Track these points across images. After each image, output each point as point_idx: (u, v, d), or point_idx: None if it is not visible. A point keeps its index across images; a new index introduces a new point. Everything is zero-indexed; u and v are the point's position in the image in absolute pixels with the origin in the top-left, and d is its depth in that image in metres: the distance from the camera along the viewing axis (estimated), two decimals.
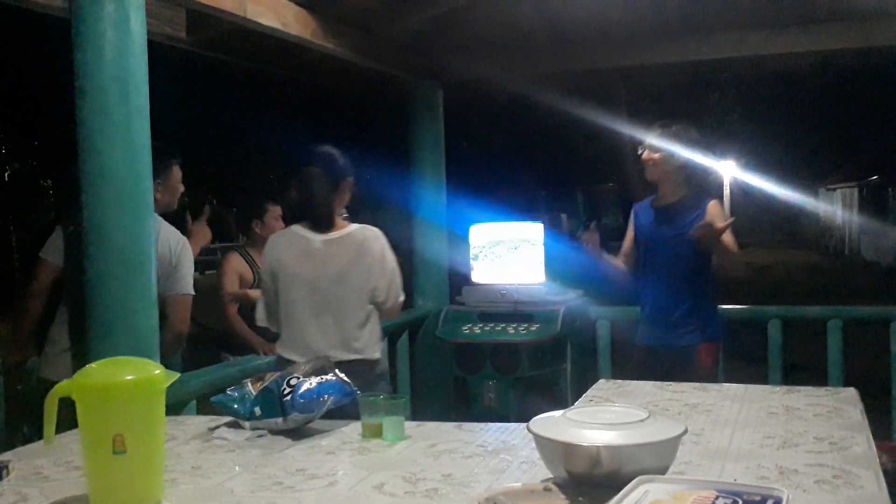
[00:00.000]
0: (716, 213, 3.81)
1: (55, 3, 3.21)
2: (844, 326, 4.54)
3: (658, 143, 3.89)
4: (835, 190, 28.83)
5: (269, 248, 3.27)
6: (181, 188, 3.58)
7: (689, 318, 3.81)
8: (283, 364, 3.08)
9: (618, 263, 4.20)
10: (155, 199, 3.36)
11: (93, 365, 1.73)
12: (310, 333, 3.15)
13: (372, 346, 3.24)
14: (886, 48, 4.75)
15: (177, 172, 3.55)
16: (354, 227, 3.25)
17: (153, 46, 2.87)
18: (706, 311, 3.88)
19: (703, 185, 4.00)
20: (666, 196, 3.96)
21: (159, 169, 3.39)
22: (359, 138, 16.03)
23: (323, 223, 3.19)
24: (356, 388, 2.36)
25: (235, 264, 4.49)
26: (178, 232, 3.39)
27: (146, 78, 2.76)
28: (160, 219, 3.36)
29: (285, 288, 3.18)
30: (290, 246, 3.22)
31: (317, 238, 3.18)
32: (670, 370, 3.61)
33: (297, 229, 3.24)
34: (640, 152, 3.96)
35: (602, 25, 4.90)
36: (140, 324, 2.67)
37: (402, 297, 3.32)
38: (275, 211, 4.58)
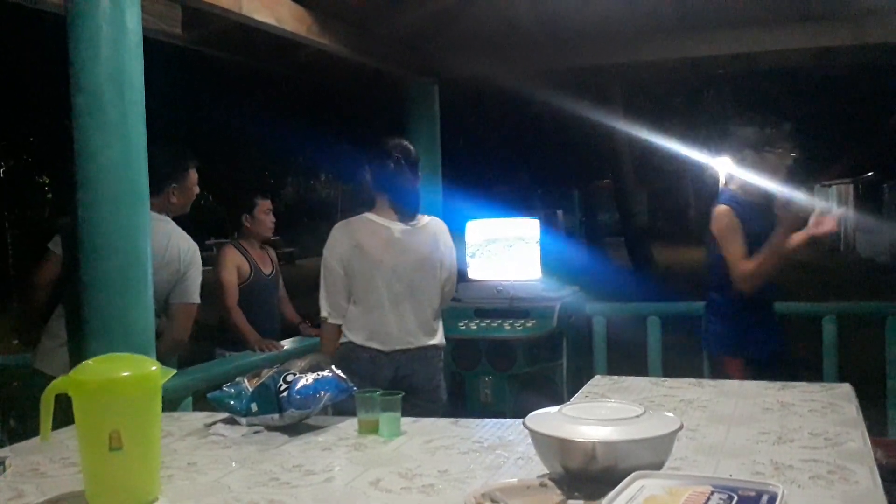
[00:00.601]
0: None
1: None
2: (839, 322, 4.55)
3: (792, 144, 3.74)
4: (830, 186, 28.85)
5: (342, 235, 3.31)
6: (196, 191, 3.59)
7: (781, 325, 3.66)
8: (357, 351, 3.25)
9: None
10: (171, 203, 3.38)
11: (89, 361, 1.73)
12: (390, 320, 3.27)
13: (442, 333, 3.45)
14: (881, 45, 4.76)
15: (193, 175, 3.55)
16: (427, 218, 3.41)
17: (149, 43, 2.86)
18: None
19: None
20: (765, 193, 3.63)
21: (177, 172, 3.41)
22: (354, 135, 16.04)
23: (409, 212, 3.33)
24: (430, 374, 3.04)
25: (233, 256, 4.48)
26: (189, 238, 3.38)
27: (142, 74, 2.76)
28: (173, 223, 3.38)
29: (364, 275, 3.26)
30: (369, 234, 3.30)
31: (396, 227, 3.31)
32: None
33: (373, 217, 3.32)
34: (768, 153, 3.67)
35: (598, 22, 4.90)
36: (136, 320, 2.67)
37: (456, 284, 3.55)
38: (264, 205, 4.59)
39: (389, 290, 3.28)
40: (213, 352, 4.39)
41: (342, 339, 3.35)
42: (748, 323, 3.51)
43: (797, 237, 3.46)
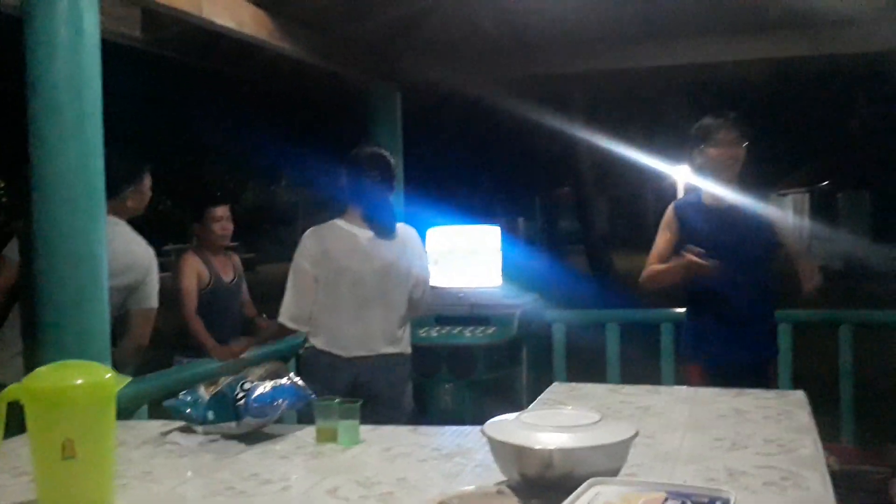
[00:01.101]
0: (784, 215, 3.54)
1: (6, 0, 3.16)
2: (793, 330, 4.62)
3: (737, 134, 3.55)
4: (786, 195, 29.31)
5: (312, 241, 3.31)
6: (150, 194, 3.55)
7: (763, 328, 3.50)
8: (317, 356, 3.24)
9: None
10: (126, 207, 3.35)
11: (42, 368, 1.70)
12: (352, 326, 3.26)
13: (408, 341, 3.43)
14: (836, 56, 4.86)
15: (148, 180, 3.52)
16: (398, 225, 3.41)
17: (107, 45, 2.83)
18: (773, 318, 3.61)
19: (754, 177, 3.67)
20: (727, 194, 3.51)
21: (133, 176, 3.38)
22: (316, 140, 15.97)
23: (383, 227, 3.33)
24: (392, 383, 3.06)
25: (192, 263, 4.40)
26: (145, 243, 3.35)
27: (99, 77, 2.73)
28: (128, 228, 3.33)
29: (328, 281, 3.26)
30: (336, 240, 3.31)
31: (364, 234, 3.31)
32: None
33: (341, 224, 3.33)
34: (710, 147, 3.55)
35: (561, 30, 4.94)
36: (91, 327, 2.63)
37: (429, 293, 3.55)
38: (216, 212, 4.47)
39: (353, 296, 3.27)
40: (172, 358, 4.34)
41: (306, 344, 3.34)
42: (704, 329, 3.51)
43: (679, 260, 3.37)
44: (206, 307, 4.34)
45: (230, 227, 4.54)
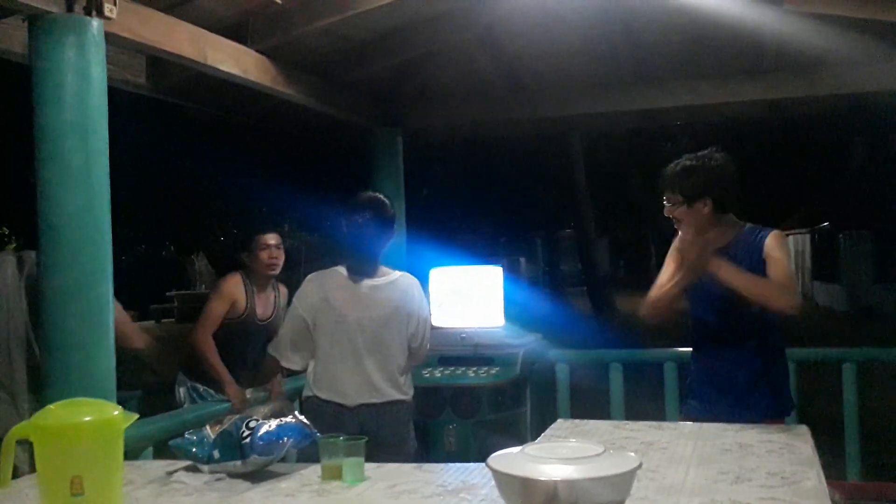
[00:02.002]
0: (774, 245, 3.01)
1: (14, 48, 3.23)
2: (798, 368, 4.61)
3: (672, 195, 3.11)
4: (787, 237, 29.37)
5: (313, 287, 3.27)
6: None
7: (754, 387, 3.01)
8: (322, 406, 3.19)
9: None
10: None
11: (51, 406, 1.72)
12: (353, 375, 3.20)
13: (409, 388, 3.38)
14: (830, 97, 4.92)
15: None
16: (398, 273, 3.34)
17: (113, 92, 2.89)
18: (775, 377, 3.11)
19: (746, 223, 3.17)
20: (715, 240, 3.07)
21: None
22: (319, 184, 16.07)
23: (370, 269, 3.26)
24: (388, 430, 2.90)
25: (232, 288, 4.11)
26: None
27: (106, 123, 2.79)
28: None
29: (328, 328, 3.22)
30: (337, 288, 3.25)
31: (364, 282, 3.25)
32: None
33: (342, 271, 3.29)
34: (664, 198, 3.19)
35: (558, 74, 5.02)
36: (97, 367, 2.65)
37: (428, 343, 3.43)
38: (263, 240, 4.18)
39: (353, 344, 3.22)
40: (177, 377, 4.21)
41: (306, 394, 3.28)
42: (694, 371, 3.25)
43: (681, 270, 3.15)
44: (228, 336, 4.08)
45: (280, 255, 4.22)
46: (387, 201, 3.36)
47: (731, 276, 2.91)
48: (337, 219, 3.40)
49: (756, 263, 2.98)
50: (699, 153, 3.13)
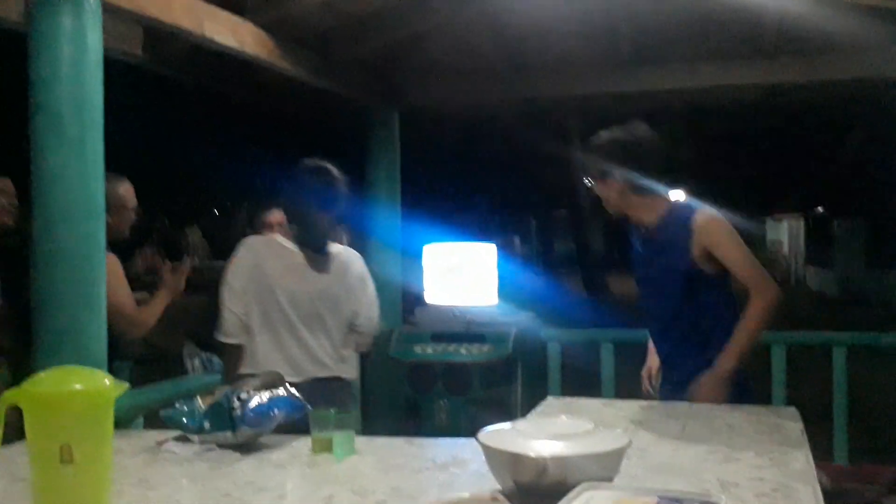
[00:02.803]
0: (709, 232, 2.84)
1: (10, 16, 3.20)
2: (788, 351, 4.64)
3: (593, 169, 3.01)
4: (781, 220, 29.41)
5: (245, 253, 3.04)
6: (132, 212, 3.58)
7: (692, 368, 2.87)
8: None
9: None
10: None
11: (41, 374, 1.72)
12: (289, 348, 2.98)
13: (349, 366, 3.15)
14: (829, 82, 4.91)
15: (128, 195, 3.55)
16: (339, 248, 3.16)
17: (109, 62, 2.87)
18: (706, 357, 2.87)
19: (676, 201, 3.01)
20: (642, 226, 3.04)
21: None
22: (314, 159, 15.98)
23: (311, 240, 3.05)
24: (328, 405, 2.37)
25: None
26: None
27: (101, 93, 2.77)
28: None
29: (263, 299, 2.98)
30: (271, 256, 3.04)
31: (302, 254, 3.04)
32: None
33: (280, 239, 3.10)
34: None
35: (557, 54, 5.00)
36: (89, 335, 2.65)
37: (377, 325, 3.23)
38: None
39: (287, 317, 2.98)
40: (184, 348, 4.24)
41: (241, 371, 2.96)
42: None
43: None
44: None
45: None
46: (333, 170, 3.10)
47: (736, 354, 2.76)
48: (283, 186, 3.22)
49: (682, 250, 2.84)
50: (618, 127, 2.98)
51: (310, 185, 3.07)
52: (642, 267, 3.07)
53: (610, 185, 2.94)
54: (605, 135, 2.99)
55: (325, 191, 3.06)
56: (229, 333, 2.98)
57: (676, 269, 2.89)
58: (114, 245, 3.43)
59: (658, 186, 2.94)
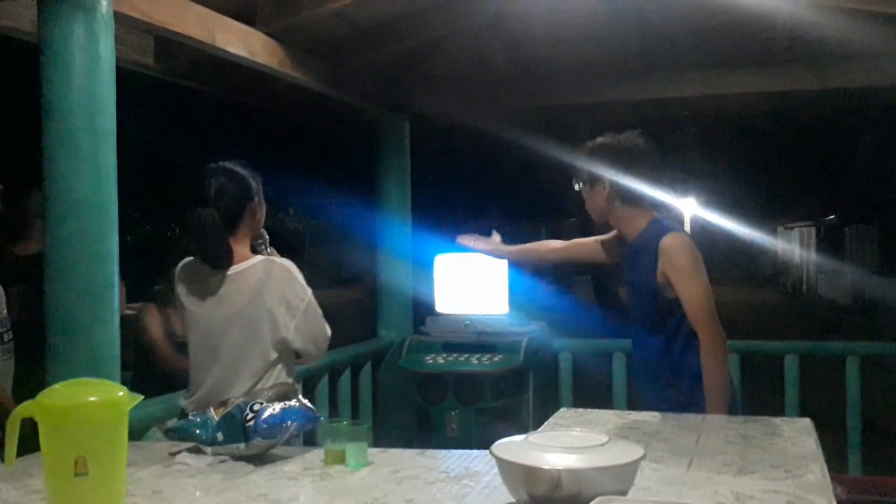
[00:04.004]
0: (672, 258, 2.80)
1: (23, 26, 3.22)
2: (801, 361, 4.62)
3: (580, 173, 2.98)
4: (793, 229, 29.31)
5: (176, 274, 2.77)
6: None
7: (668, 390, 2.88)
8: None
9: (537, 248, 3.48)
10: None
11: (56, 386, 1.73)
12: (203, 381, 2.63)
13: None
14: (841, 90, 4.89)
15: None
16: (256, 260, 2.64)
17: (120, 72, 2.88)
18: (688, 380, 2.84)
19: (660, 212, 2.97)
20: (626, 237, 3.01)
21: None
22: (325, 169, 16.04)
23: (217, 262, 2.61)
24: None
25: (152, 318, 4.30)
26: None
27: (114, 103, 2.78)
28: None
29: (185, 327, 2.73)
30: (188, 280, 2.70)
31: (213, 274, 2.62)
32: None
33: (197, 261, 2.69)
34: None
35: (568, 63, 5.00)
36: (102, 347, 2.66)
37: (328, 335, 2.70)
38: None
39: (202, 347, 2.65)
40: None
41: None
42: None
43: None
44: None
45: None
46: (240, 173, 2.70)
47: (719, 408, 2.75)
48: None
49: (650, 271, 2.82)
50: (613, 134, 2.94)
51: (210, 192, 2.64)
52: (625, 273, 3.06)
53: (597, 191, 2.92)
54: (599, 139, 2.96)
55: (228, 196, 2.64)
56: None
57: (644, 288, 2.88)
58: None
59: (645, 199, 2.91)
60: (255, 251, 2.73)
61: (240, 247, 2.65)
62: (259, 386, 2.55)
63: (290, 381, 2.63)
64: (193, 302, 2.66)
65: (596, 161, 2.90)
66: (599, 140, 2.95)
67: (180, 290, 2.71)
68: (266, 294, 2.57)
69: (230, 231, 2.62)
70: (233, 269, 2.61)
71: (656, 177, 2.93)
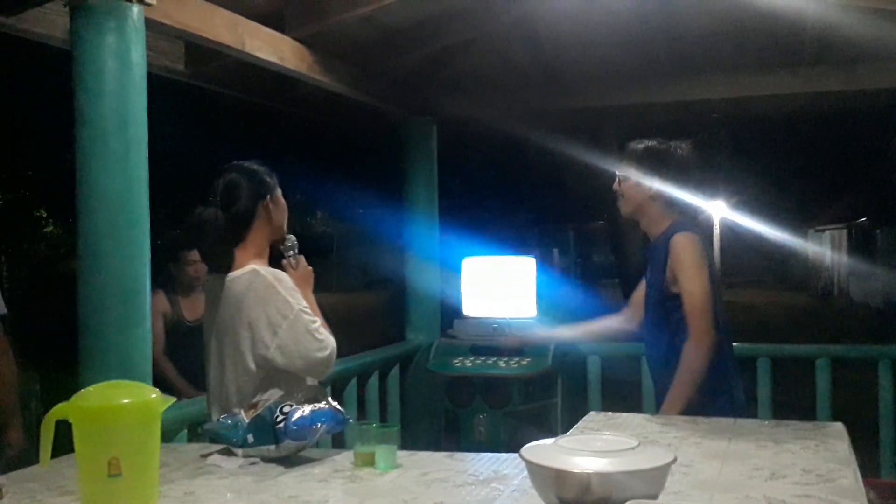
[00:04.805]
0: (678, 252, 2.92)
1: (56, 33, 3.26)
2: (832, 365, 4.57)
3: (626, 169, 3.11)
4: (823, 231, 29.00)
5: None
6: None
7: (665, 386, 2.97)
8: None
9: (609, 324, 3.55)
10: None
11: (90, 388, 1.75)
12: (210, 384, 2.59)
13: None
14: (871, 91, 4.84)
15: None
16: (246, 269, 2.48)
17: (151, 78, 2.91)
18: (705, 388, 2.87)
19: (685, 217, 3.07)
20: (649, 236, 3.14)
21: None
22: (353, 173, 16.10)
23: (213, 264, 2.55)
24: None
25: (157, 303, 4.22)
26: None
27: (145, 109, 2.81)
28: None
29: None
30: (208, 289, 2.65)
31: (214, 279, 2.55)
32: None
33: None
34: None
35: (594, 65, 4.99)
36: (134, 351, 2.69)
37: (318, 355, 2.45)
38: (188, 256, 4.46)
39: (207, 351, 2.61)
40: None
41: None
42: None
43: None
44: (173, 347, 4.35)
45: (203, 269, 3.92)
46: (253, 169, 2.61)
47: (678, 403, 2.86)
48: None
49: (661, 269, 2.96)
50: (664, 140, 3.09)
51: (218, 193, 2.56)
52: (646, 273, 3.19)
53: (638, 189, 3.06)
54: (649, 143, 3.09)
55: (222, 204, 2.53)
56: None
57: (656, 285, 3.01)
58: None
59: (681, 204, 3.06)
60: (281, 256, 2.67)
61: (248, 249, 2.52)
62: (255, 399, 2.41)
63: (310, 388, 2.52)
64: (188, 310, 2.65)
65: (645, 163, 3.04)
66: (650, 144, 3.07)
67: (204, 298, 2.70)
68: (245, 308, 2.43)
69: (242, 231, 2.52)
70: (230, 275, 2.49)
71: (697, 186, 3.07)
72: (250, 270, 2.47)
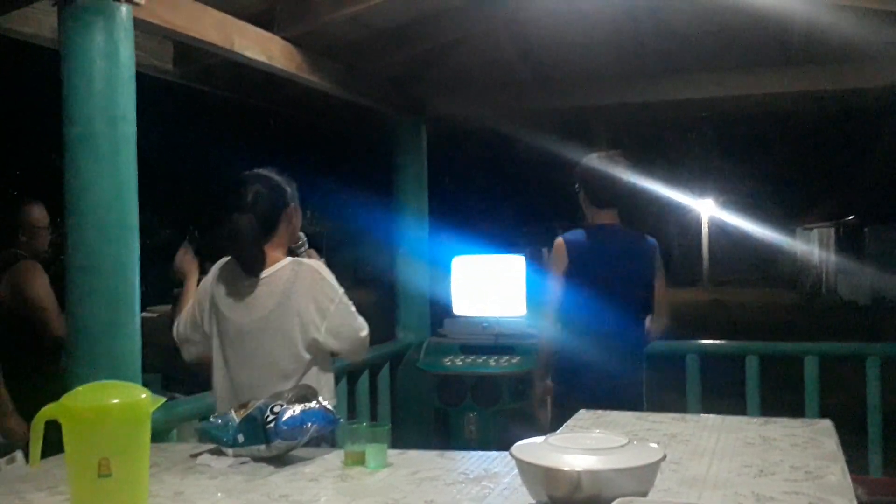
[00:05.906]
0: (658, 255, 3.65)
1: (44, 33, 3.25)
2: (821, 362, 4.59)
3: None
4: (811, 229, 29.13)
5: (212, 272, 2.79)
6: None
7: (641, 372, 3.58)
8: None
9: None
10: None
11: (79, 388, 1.74)
12: (237, 385, 2.65)
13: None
14: (859, 90, 4.88)
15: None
16: (285, 262, 2.67)
17: (139, 77, 2.91)
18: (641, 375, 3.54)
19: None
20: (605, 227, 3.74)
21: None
22: (342, 172, 16.09)
23: (251, 268, 2.65)
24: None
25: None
26: None
27: (134, 108, 2.80)
28: None
29: (216, 328, 2.72)
30: (225, 282, 2.71)
31: (245, 278, 2.66)
32: None
33: (233, 262, 2.72)
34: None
35: (583, 64, 5.00)
36: (123, 349, 2.68)
37: (362, 334, 2.69)
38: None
39: (235, 351, 2.67)
40: (162, 393, 4.20)
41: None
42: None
43: None
44: None
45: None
46: (276, 180, 2.76)
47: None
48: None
49: (646, 263, 3.60)
50: (602, 154, 3.74)
51: (245, 198, 2.68)
52: (613, 265, 3.61)
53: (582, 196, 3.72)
54: (583, 160, 3.69)
55: (254, 211, 2.66)
56: (179, 334, 2.84)
57: (641, 281, 3.58)
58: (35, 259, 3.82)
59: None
60: (292, 253, 2.79)
61: (273, 251, 2.69)
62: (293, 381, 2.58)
63: (326, 379, 2.73)
64: (227, 305, 2.68)
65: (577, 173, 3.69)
66: (583, 160, 3.70)
67: (217, 290, 2.72)
68: (294, 296, 2.61)
69: (267, 237, 2.67)
70: (264, 273, 2.65)
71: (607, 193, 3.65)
72: (292, 262, 2.68)
